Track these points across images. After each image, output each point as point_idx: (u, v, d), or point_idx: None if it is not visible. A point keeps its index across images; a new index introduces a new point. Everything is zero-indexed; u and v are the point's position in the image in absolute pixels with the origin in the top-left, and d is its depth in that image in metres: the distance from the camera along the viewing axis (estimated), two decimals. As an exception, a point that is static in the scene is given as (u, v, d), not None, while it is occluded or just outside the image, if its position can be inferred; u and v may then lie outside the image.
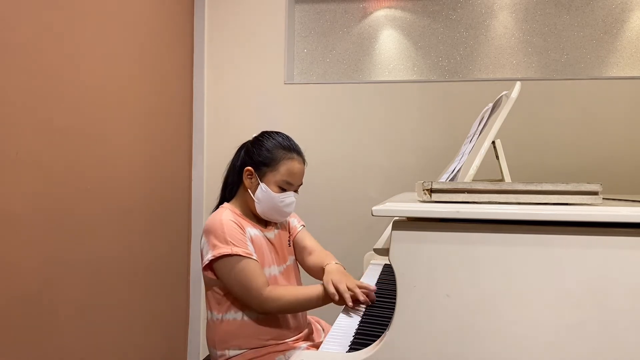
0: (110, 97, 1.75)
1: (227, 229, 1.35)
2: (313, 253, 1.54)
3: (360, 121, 2.29)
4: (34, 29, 1.41)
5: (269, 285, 1.35)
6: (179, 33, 2.27)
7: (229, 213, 1.41)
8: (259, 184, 1.43)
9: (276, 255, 1.47)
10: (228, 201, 1.50)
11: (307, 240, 1.58)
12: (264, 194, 1.42)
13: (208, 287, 1.44)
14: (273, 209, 1.44)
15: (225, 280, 1.36)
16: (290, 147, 1.46)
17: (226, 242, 1.33)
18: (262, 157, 1.44)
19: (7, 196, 1.32)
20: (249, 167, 1.44)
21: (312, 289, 1.35)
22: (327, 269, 1.41)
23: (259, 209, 1.44)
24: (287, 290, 1.36)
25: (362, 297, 1.24)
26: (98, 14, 1.68)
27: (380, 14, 2.43)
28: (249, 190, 1.45)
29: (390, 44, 2.42)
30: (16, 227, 1.35)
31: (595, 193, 0.91)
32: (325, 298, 1.30)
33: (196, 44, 2.39)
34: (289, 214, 1.48)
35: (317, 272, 1.48)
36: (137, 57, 1.92)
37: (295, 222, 1.62)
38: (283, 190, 1.44)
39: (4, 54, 1.31)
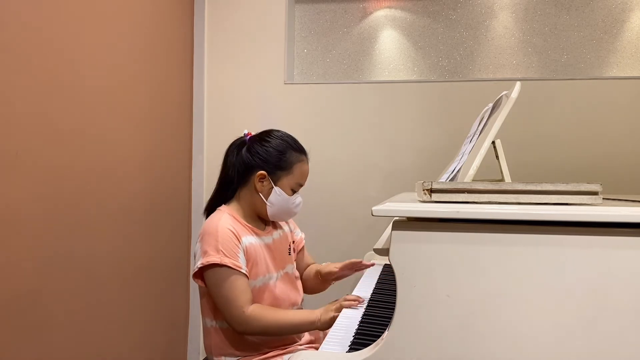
0: (110, 97, 1.75)
1: (221, 236, 1.32)
2: (311, 265, 1.67)
3: (360, 121, 2.29)
4: (34, 29, 1.41)
5: (253, 303, 1.31)
6: (179, 33, 2.27)
7: (227, 218, 1.38)
8: (272, 187, 1.40)
9: (273, 261, 1.44)
10: (226, 202, 1.47)
11: (309, 257, 1.67)
12: (278, 198, 1.40)
13: (202, 295, 1.42)
14: (284, 211, 1.44)
15: (210, 290, 1.33)
16: (301, 149, 1.45)
17: (217, 251, 1.30)
18: (275, 160, 1.40)
19: (7, 196, 1.32)
20: (263, 172, 1.40)
21: (306, 313, 1.32)
22: (323, 265, 1.59)
23: (271, 211, 1.42)
24: (274, 312, 1.32)
25: None
26: (98, 14, 1.68)
27: (380, 14, 2.43)
28: (260, 194, 1.41)
29: (390, 44, 2.42)
30: (16, 227, 1.35)
31: (595, 193, 0.91)
32: (324, 324, 1.28)
33: (196, 44, 2.39)
34: (296, 214, 1.48)
35: (310, 280, 1.62)
36: (137, 57, 1.92)
37: (298, 232, 1.63)
38: (293, 192, 1.43)
39: (4, 54, 1.31)
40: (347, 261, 1.54)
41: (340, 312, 1.27)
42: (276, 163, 1.40)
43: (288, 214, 1.46)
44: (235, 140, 1.49)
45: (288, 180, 1.41)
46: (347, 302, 1.29)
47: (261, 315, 1.29)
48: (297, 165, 1.42)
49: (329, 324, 1.26)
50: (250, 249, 1.38)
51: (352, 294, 1.44)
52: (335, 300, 1.34)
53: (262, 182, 1.41)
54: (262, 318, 1.29)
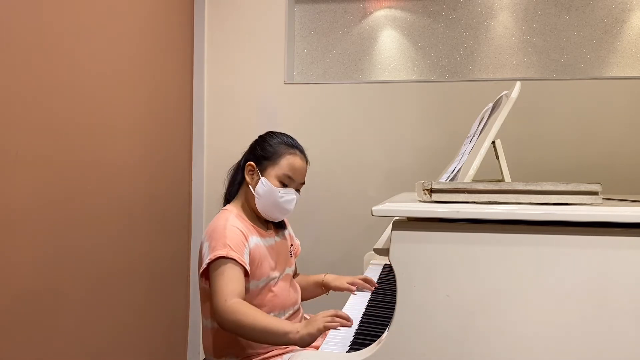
0: (110, 98, 1.75)
1: (229, 233, 1.32)
2: (301, 275, 1.66)
3: (360, 121, 2.29)
4: (34, 28, 1.41)
5: (241, 297, 1.25)
6: (179, 33, 2.27)
7: (234, 218, 1.39)
8: (259, 178, 1.41)
9: (276, 262, 1.45)
10: (230, 201, 1.49)
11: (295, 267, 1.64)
12: (264, 189, 1.40)
13: (203, 295, 1.42)
14: (273, 205, 1.41)
15: (210, 279, 1.31)
16: (294, 145, 1.46)
17: (224, 245, 1.30)
18: (264, 151, 1.43)
19: (7, 196, 1.32)
20: (251, 162, 1.43)
21: (285, 324, 1.22)
22: (331, 277, 1.60)
23: (259, 205, 1.41)
24: (254, 311, 1.23)
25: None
26: (98, 14, 1.68)
27: (380, 14, 2.43)
28: (250, 186, 1.43)
29: (390, 44, 2.42)
30: (16, 227, 1.35)
31: (595, 193, 0.91)
32: (303, 337, 1.15)
33: (196, 44, 2.39)
34: (289, 212, 1.46)
35: (307, 290, 1.61)
36: (137, 57, 1.92)
37: (295, 238, 1.62)
38: (284, 185, 1.42)
39: (4, 54, 1.31)
40: (359, 279, 1.55)
41: (322, 332, 1.16)
42: (264, 154, 1.43)
43: (278, 209, 1.42)
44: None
45: (275, 170, 1.41)
46: (333, 324, 1.16)
47: (239, 309, 1.21)
48: (286, 157, 1.42)
49: (308, 339, 1.15)
50: (255, 250, 1.38)
51: (350, 298, 1.44)
52: (322, 313, 1.22)
53: (252, 174, 1.43)
54: (239, 313, 1.21)
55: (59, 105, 1.51)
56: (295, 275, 1.62)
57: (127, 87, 1.85)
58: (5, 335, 1.32)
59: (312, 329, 1.14)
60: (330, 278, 1.59)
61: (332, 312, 1.20)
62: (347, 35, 2.45)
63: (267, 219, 1.47)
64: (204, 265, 1.32)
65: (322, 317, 1.17)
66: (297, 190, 1.46)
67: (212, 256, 1.29)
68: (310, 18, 2.48)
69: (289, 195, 1.42)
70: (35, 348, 1.42)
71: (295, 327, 1.17)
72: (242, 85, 2.38)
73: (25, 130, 1.38)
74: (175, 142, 2.25)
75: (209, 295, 1.38)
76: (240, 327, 1.21)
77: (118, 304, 1.81)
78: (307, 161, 1.48)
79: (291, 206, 1.44)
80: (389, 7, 2.42)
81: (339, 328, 1.15)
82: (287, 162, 1.42)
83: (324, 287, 1.60)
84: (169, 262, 2.20)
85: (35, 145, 1.41)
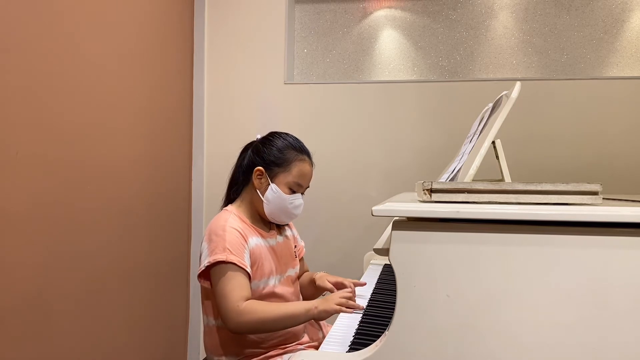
0: (110, 97, 1.75)
1: (229, 236, 1.32)
2: (305, 273, 1.64)
3: (360, 121, 2.29)
4: (34, 28, 1.41)
5: (249, 299, 1.29)
6: (179, 33, 2.27)
7: (234, 219, 1.38)
8: (269, 184, 1.41)
9: (277, 264, 1.44)
10: (232, 201, 1.49)
11: (305, 265, 1.66)
12: (274, 195, 1.40)
13: (205, 295, 1.42)
14: (281, 211, 1.42)
15: (213, 286, 1.32)
16: (302, 149, 1.45)
17: (224, 249, 1.30)
18: (273, 157, 1.42)
19: (7, 196, 1.32)
20: (260, 167, 1.42)
21: (299, 303, 1.31)
22: (317, 275, 1.54)
23: (267, 210, 1.41)
24: (269, 305, 1.30)
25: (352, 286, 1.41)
26: (97, 14, 1.68)
27: (380, 14, 2.43)
28: (258, 191, 1.42)
29: (390, 44, 2.42)
30: (16, 228, 1.35)
31: (595, 193, 0.91)
32: (321, 312, 1.26)
33: (196, 44, 2.39)
34: (296, 216, 1.46)
35: (305, 287, 1.58)
36: (137, 58, 1.92)
37: (300, 240, 1.62)
38: (292, 191, 1.42)
39: (4, 54, 1.31)
40: (341, 280, 1.48)
41: (336, 312, 1.26)
42: (274, 160, 1.42)
43: (286, 214, 1.43)
44: (247, 144, 1.52)
45: (285, 177, 1.41)
46: (345, 310, 1.26)
47: (256, 308, 1.26)
48: (296, 164, 1.42)
49: (325, 315, 1.26)
50: (255, 251, 1.38)
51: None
52: (337, 293, 1.32)
53: (260, 179, 1.42)
54: (257, 311, 1.26)
55: (59, 105, 1.51)
56: (302, 273, 1.62)
57: (127, 87, 1.85)
58: (6, 336, 1.32)
59: (328, 307, 1.26)
60: (318, 276, 1.55)
61: (347, 294, 1.30)
62: (347, 35, 2.45)
63: (274, 222, 1.48)
64: (202, 267, 1.33)
65: (338, 298, 1.28)
66: (302, 193, 1.46)
67: (212, 260, 1.30)
68: (310, 18, 2.48)
69: (297, 201, 1.44)
70: (35, 348, 1.42)
71: (312, 304, 1.28)
72: (242, 86, 2.38)
73: (25, 130, 1.38)
74: (175, 142, 2.25)
75: (208, 294, 1.38)
76: (262, 324, 1.28)
77: (118, 304, 1.81)
78: (313, 164, 1.48)
79: (299, 211, 1.46)
80: (389, 7, 2.42)
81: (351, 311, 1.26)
82: (297, 169, 1.42)
83: (314, 287, 1.56)
84: (169, 262, 2.20)
85: (36, 145, 1.41)
